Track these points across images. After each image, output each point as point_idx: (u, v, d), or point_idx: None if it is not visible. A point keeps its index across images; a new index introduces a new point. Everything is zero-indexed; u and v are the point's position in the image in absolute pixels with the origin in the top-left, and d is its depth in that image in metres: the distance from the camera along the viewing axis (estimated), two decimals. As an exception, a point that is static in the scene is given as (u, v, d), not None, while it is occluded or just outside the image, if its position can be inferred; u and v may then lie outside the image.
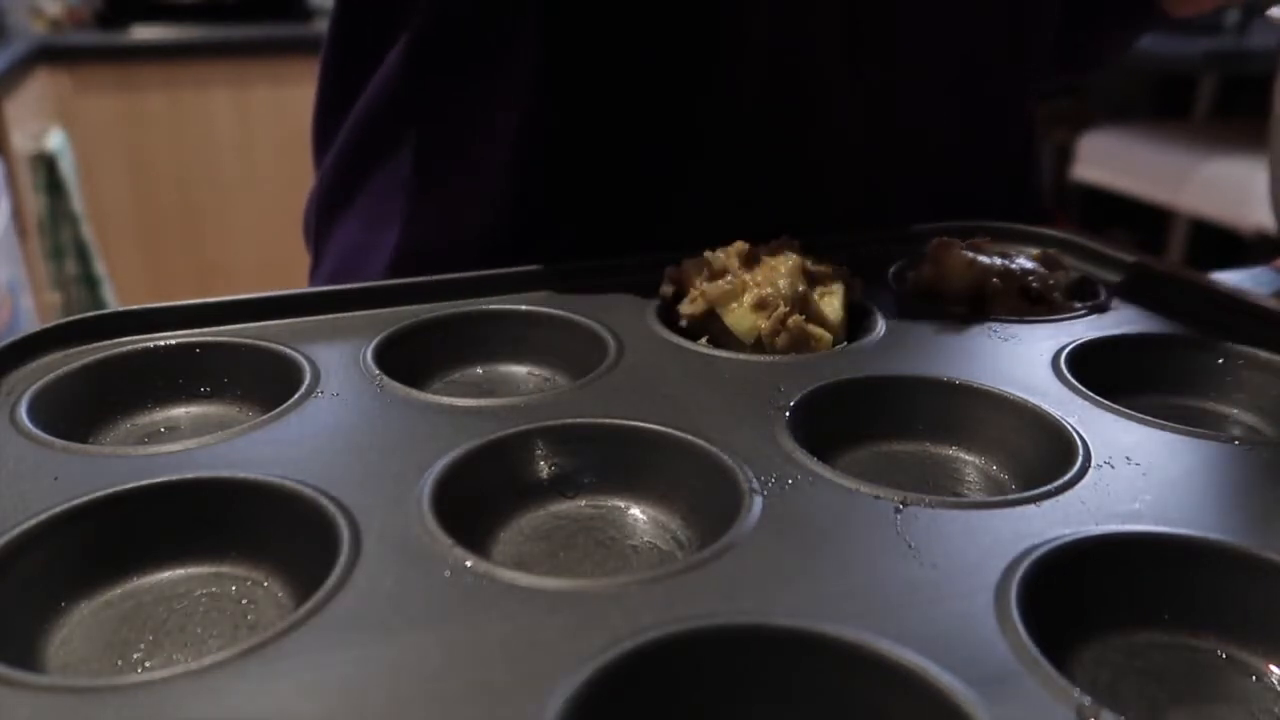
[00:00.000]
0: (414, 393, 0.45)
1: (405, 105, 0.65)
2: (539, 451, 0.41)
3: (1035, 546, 0.34)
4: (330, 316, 0.53)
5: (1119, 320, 0.54)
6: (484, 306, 0.54)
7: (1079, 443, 0.41)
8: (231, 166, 2.45)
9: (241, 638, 0.32)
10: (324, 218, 0.71)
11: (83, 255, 2.18)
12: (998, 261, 0.57)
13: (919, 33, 0.66)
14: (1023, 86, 0.73)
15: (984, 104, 0.70)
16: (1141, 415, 0.43)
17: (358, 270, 0.68)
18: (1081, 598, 0.33)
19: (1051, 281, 0.57)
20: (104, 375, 0.47)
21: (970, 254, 0.57)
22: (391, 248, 0.66)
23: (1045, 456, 0.41)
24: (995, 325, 0.53)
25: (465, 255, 0.60)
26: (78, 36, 2.40)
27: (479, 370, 0.52)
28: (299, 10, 2.56)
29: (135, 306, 0.51)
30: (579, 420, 0.42)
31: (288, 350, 0.48)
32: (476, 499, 0.38)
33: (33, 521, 0.35)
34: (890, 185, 0.68)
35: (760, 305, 0.50)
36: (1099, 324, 0.54)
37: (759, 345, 0.50)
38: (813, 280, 0.53)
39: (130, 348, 0.49)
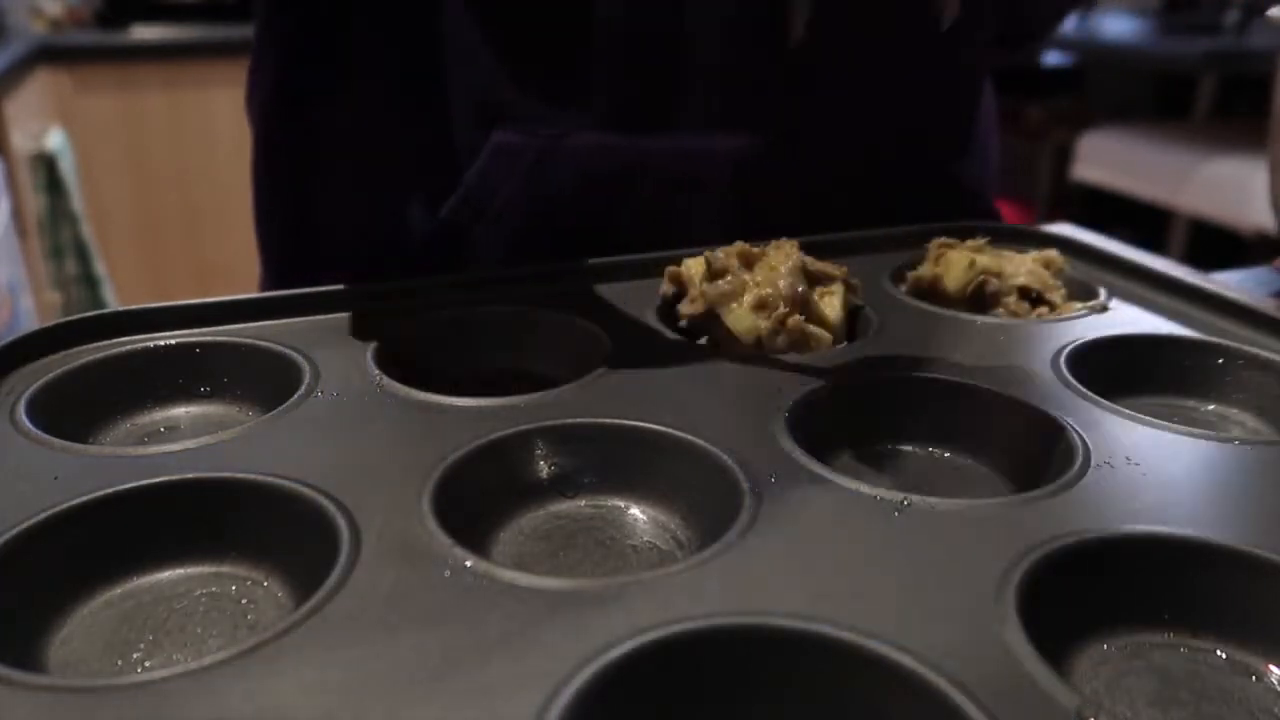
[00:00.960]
0: (414, 393, 0.45)
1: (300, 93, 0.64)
2: (539, 451, 0.41)
3: (1035, 546, 0.34)
4: (330, 316, 0.53)
5: (1119, 320, 0.54)
6: (483, 307, 0.54)
7: (1079, 443, 0.41)
8: (231, 166, 2.44)
9: (241, 638, 0.32)
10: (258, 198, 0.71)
11: (82, 255, 2.18)
12: (997, 261, 0.57)
13: (846, 25, 0.63)
14: (955, 76, 0.70)
15: (915, 93, 0.67)
16: (1141, 415, 0.43)
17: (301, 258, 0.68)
18: (1081, 598, 0.33)
19: (1052, 283, 0.57)
20: (104, 375, 0.47)
21: (970, 254, 0.57)
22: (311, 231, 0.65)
23: (1045, 456, 0.41)
24: (995, 325, 0.53)
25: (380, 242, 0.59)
26: (78, 36, 2.40)
27: (478, 371, 0.52)
28: (299, 10, 2.56)
29: (135, 306, 0.51)
30: (579, 420, 0.42)
31: (288, 350, 0.48)
32: (476, 499, 0.38)
33: (33, 521, 0.35)
34: (825, 178, 0.65)
35: (760, 305, 0.50)
36: (1099, 324, 0.54)
37: (759, 345, 0.50)
38: (813, 280, 0.53)
39: (130, 348, 0.49)
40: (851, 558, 0.34)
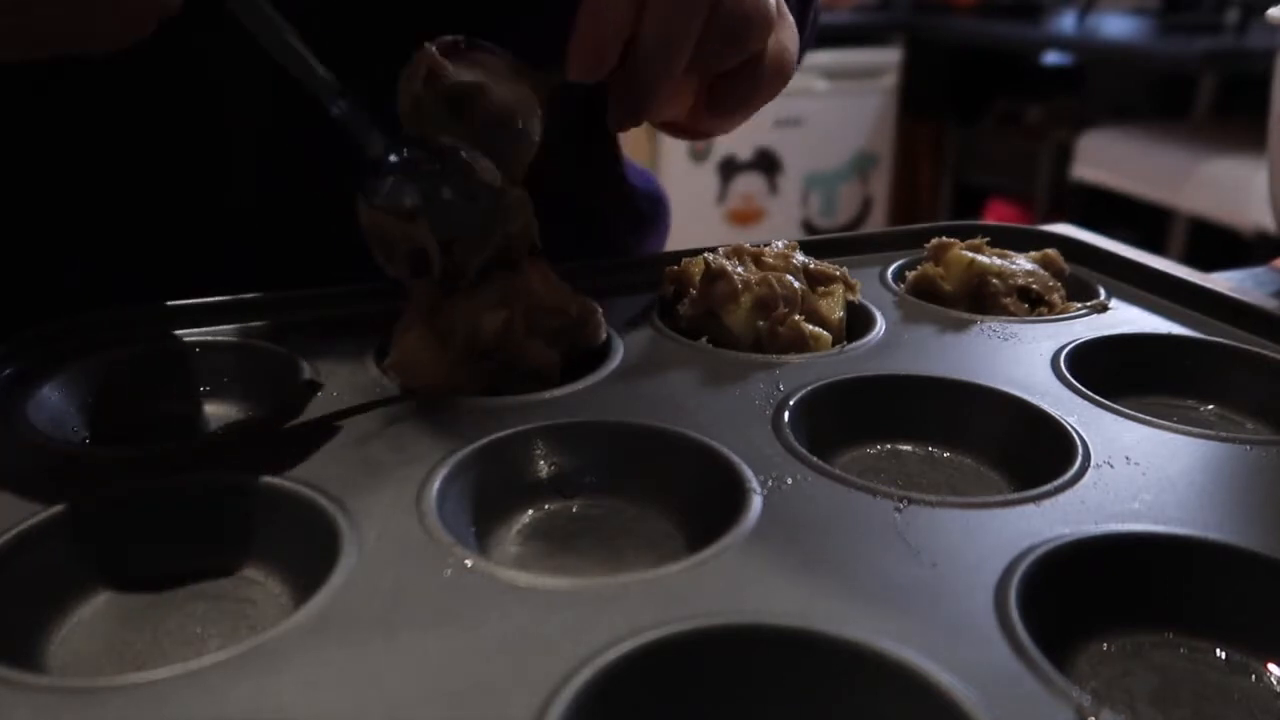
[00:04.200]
0: (414, 392, 0.45)
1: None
2: (539, 451, 0.41)
3: (1035, 546, 0.34)
4: (330, 316, 0.53)
5: (1119, 320, 0.54)
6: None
7: (1079, 443, 0.41)
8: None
9: (241, 638, 0.32)
10: None
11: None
12: (996, 261, 0.57)
13: None
14: None
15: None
16: (1141, 415, 0.43)
17: None
18: (1081, 598, 0.33)
19: (1052, 283, 0.57)
20: (104, 374, 0.47)
21: (970, 254, 0.57)
22: None
23: (1045, 456, 0.41)
24: (995, 325, 0.53)
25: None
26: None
27: (479, 370, 0.51)
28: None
29: (135, 306, 0.51)
30: (579, 420, 0.42)
31: (288, 350, 0.48)
32: (476, 499, 0.38)
33: (32, 521, 0.35)
34: None
35: (760, 305, 0.50)
36: (1099, 324, 0.54)
37: (759, 345, 0.50)
38: (812, 280, 0.53)
39: (130, 347, 0.49)
40: (851, 557, 0.34)
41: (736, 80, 0.50)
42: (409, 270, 0.44)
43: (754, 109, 0.53)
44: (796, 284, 0.51)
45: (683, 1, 0.45)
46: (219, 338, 0.50)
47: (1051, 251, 0.60)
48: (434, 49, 0.44)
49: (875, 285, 0.59)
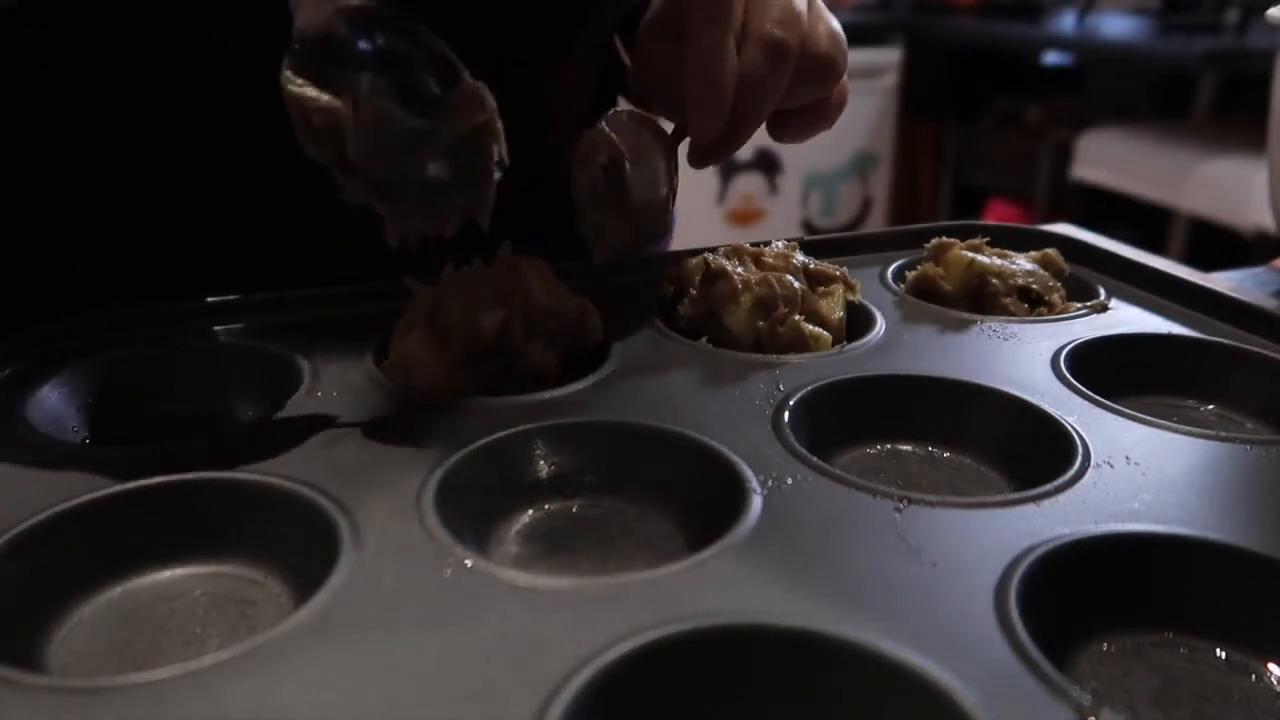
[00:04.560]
0: (414, 392, 0.45)
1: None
2: (539, 451, 0.41)
3: (1035, 546, 0.34)
4: (329, 316, 0.53)
5: (1119, 320, 0.54)
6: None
7: (1079, 443, 0.41)
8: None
9: (241, 638, 0.32)
10: None
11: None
12: (996, 261, 0.57)
13: None
14: None
15: None
16: (1141, 415, 0.43)
17: None
18: (1081, 598, 0.33)
19: (1052, 283, 0.57)
20: (106, 374, 0.47)
21: (970, 254, 0.57)
22: None
23: (1045, 456, 0.41)
24: (995, 325, 0.53)
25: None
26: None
27: (479, 370, 0.51)
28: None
29: (135, 306, 0.51)
30: (579, 420, 0.42)
31: (287, 350, 0.48)
32: (476, 499, 0.38)
33: (33, 521, 0.35)
34: None
35: (760, 306, 0.50)
36: (1099, 324, 0.54)
37: (759, 345, 0.50)
38: (812, 280, 0.53)
39: (131, 347, 0.49)
40: (851, 557, 0.34)
41: (801, 114, 0.53)
42: (334, 154, 0.41)
43: (809, 138, 0.56)
44: (796, 284, 0.51)
45: (777, 52, 0.47)
46: (219, 337, 0.50)
47: (1051, 251, 0.60)
48: (608, 129, 0.48)
49: (875, 285, 0.59)
